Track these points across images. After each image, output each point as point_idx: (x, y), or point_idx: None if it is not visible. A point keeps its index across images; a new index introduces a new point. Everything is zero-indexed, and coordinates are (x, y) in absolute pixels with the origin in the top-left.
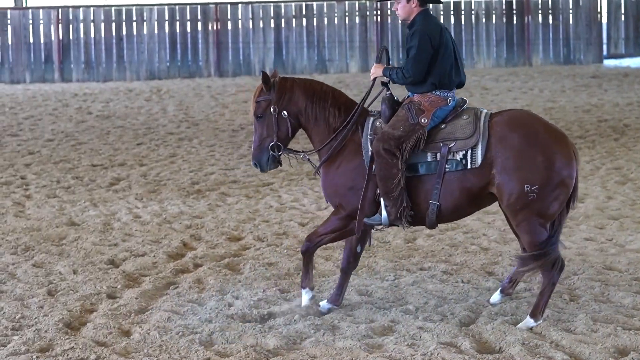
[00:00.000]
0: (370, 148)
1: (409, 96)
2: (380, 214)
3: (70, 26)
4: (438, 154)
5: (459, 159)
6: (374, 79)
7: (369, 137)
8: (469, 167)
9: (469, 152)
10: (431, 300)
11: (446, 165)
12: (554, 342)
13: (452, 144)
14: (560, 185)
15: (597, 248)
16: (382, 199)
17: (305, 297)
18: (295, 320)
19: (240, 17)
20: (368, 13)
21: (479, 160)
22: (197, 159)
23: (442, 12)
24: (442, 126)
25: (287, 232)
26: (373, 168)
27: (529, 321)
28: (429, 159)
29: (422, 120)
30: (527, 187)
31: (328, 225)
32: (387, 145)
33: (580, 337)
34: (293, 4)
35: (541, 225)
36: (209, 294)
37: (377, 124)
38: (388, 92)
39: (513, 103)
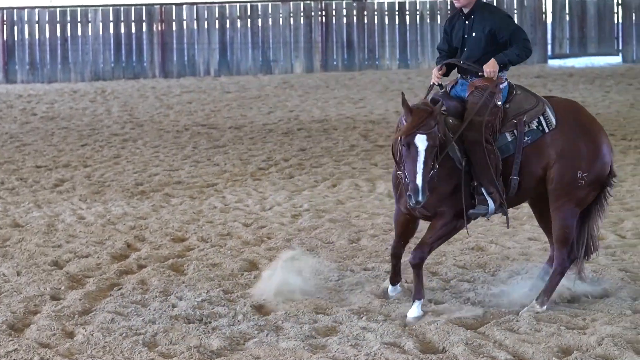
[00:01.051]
0: (456, 145)
1: (459, 82)
2: (487, 205)
3: (15, 27)
4: (515, 131)
5: (535, 127)
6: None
7: (450, 136)
8: (546, 130)
9: (542, 117)
10: (375, 300)
11: (525, 138)
12: (497, 341)
13: (524, 117)
14: (602, 175)
15: (541, 247)
16: (483, 189)
17: (417, 308)
18: (238, 321)
19: (185, 17)
20: (313, 14)
21: (554, 121)
22: (141, 160)
23: (387, 13)
24: (507, 106)
25: (231, 232)
26: (463, 163)
27: (535, 306)
28: (509, 138)
29: (498, 102)
30: (580, 173)
31: (437, 231)
32: (480, 133)
33: (524, 336)
34: (238, 4)
35: (576, 215)
36: (152, 295)
37: (450, 121)
38: (442, 90)
39: None
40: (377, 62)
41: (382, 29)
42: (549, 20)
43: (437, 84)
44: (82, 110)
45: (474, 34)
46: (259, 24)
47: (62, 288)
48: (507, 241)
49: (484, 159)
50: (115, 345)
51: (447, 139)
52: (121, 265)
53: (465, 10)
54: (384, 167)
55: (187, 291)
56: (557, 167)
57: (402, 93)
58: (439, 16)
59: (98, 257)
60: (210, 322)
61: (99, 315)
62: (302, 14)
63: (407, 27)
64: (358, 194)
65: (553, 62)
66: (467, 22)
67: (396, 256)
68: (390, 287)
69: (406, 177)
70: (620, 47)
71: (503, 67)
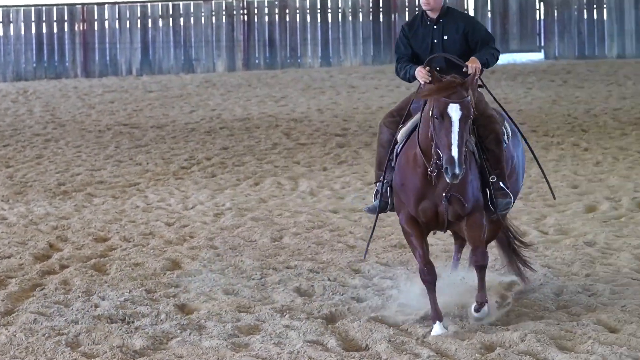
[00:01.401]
0: (473, 139)
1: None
2: (506, 197)
3: None
4: None
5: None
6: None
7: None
8: (507, 141)
9: (504, 128)
10: (297, 298)
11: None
12: (419, 338)
13: None
14: None
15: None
16: (501, 182)
17: (486, 309)
18: (161, 321)
19: (107, 17)
20: (235, 12)
21: (510, 132)
22: (63, 159)
23: (308, 11)
24: None
25: (154, 232)
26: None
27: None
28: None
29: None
30: None
31: (482, 228)
32: (499, 125)
33: (446, 333)
34: (160, 4)
35: None
36: (75, 295)
37: None
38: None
39: (380, 101)
40: (299, 61)
41: (304, 27)
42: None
43: (427, 82)
44: (4, 110)
45: (446, 37)
46: (181, 23)
47: None
48: (430, 238)
49: (502, 152)
50: (38, 345)
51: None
52: (44, 265)
53: (433, 15)
54: (305, 165)
55: (110, 291)
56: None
57: (433, 71)
58: (361, 14)
59: (20, 258)
60: (133, 322)
61: (22, 316)
62: (224, 12)
63: (329, 25)
64: (280, 192)
65: None
66: (435, 27)
67: (433, 279)
68: (438, 326)
69: (439, 153)
70: (543, 44)
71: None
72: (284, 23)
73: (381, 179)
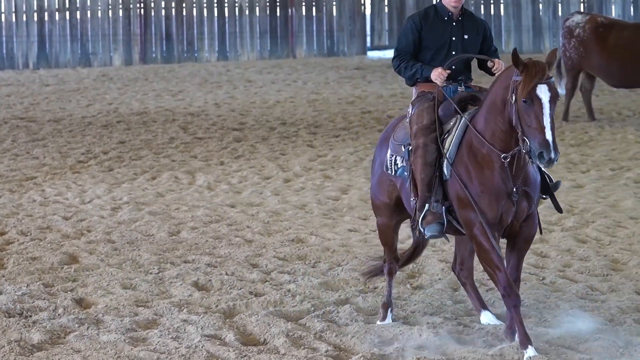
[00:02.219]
0: None
1: (454, 90)
2: None
3: None
4: None
5: None
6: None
7: None
8: None
9: None
10: (195, 293)
11: None
12: (317, 333)
13: None
14: None
15: (361, 239)
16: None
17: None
18: (59, 315)
19: (3, 10)
20: (131, 6)
21: None
22: None
23: (205, 5)
24: None
25: (51, 226)
26: None
27: None
28: None
29: None
30: None
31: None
32: None
33: (344, 328)
34: None
35: None
36: None
37: None
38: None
39: (277, 95)
40: (196, 55)
41: (201, 21)
42: (368, 12)
43: (444, 85)
44: None
45: (466, 37)
46: (78, 17)
47: None
48: (327, 232)
49: None
50: None
51: None
52: None
53: (456, 12)
54: (203, 159)
55: (7, 285)
56: None
57: (514, 49)
58: (258, 8)
59: None
60: (30, 316)
61: None
62: (120, 6)
63: (226, 19)
64: (178, 186)
65: (372, 54)
66: (454, 24)
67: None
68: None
69: (526, 140)
70: None
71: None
72: (181, 17)
73: (432, 199)
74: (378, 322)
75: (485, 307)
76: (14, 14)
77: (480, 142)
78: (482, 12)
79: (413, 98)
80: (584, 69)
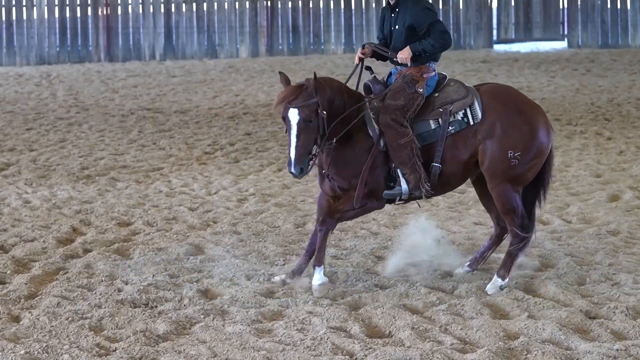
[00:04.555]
0: (375, 125)
1: (392, 72)
2: (400, 185)
3: None
4: (440, 119)
5: (460, 118)
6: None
7: (372, 116)
8: (471, 122)
9: (468, 110)
10: None
11: (449, 128)
12: (443, 326)
13: (451, 107)
14: (539, 154)
15: (486, 232)
16: (398, 170)
17: (318, 275)
18: (184, 305)
19: (130, 2)
20: None
21: (479, 114)
22: (86, 144)
23: None
24: (436, 95)
25: (177, 217)
26: (382, 144)
27: (497, 281)
28: (433, 126)
29: (419, 89)
30: (511, 153)
31: (349, 203)
32: (393, 115)
33: (469, 321)
34: None
35: (515, 191)
36: (98, 279)
37: (375, 103)
38: (372, 75)
39: None
40: (322, 47)
41: (328, 14)
42: (494, 5)
43: (357, 62)
44: (27, 94)
45: (396, 27)
46: (204, 8)
47: (8, 272)
48: (453, 225)
49: (395, 141)
50: (61, 329)
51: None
52: (67, 249)
53: (392, 2)
54: None
55: (133, 275)
56: (485, 149)
57: (280, 72)
58: (384, 1)
59: (44, 241)
60: (156, 307)
61: (45, 300)
62: None
63: (353, 12)
64: (304, 178)
65: (498, 47)
66: (392, 15)
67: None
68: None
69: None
70: (566, 32)
71: (418, 55)
72: (308, 9)
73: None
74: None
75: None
76: (140, 6)
77: None
78: (609, 5)
79: None
80: None
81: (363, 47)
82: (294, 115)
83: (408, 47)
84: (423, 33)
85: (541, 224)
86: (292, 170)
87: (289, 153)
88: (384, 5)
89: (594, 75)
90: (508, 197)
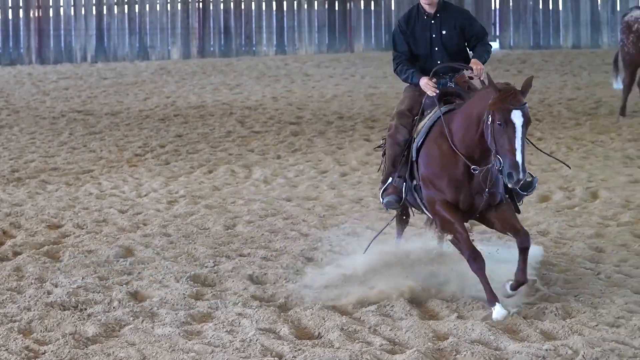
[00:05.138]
0: None
1: (443, 84)
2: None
3: None
4: None
5: None
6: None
7: None
8: None
9: None
10: (250, 286)
11: None
12: (372, 327)
13: None
14: None
15: (417, 233)
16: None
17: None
18: (114, 308)
19: (62, 4)
20: (190, 0)
21: None
22: (17, 146)
23: None
24: None
25: (107, 219)
26: None
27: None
28: None
29: None
30: None
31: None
32: None
33: (398, 322)
34: None
35: None
36: (28, 282)
37: None
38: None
39: (334, 89)
40: (254, 49)
41: (260, 15)
42: None
43: (435, 94)
44: None
45: (444, 32)
46: (136, 10)
47: None
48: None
49: None
50: None
51: None
52: None
53: (431, 10)
54: (259, 153)
55: (63, 278)
56: None
57: (488, 74)
58: (316, 2)
59: None
60: (85, 309)
61: None
62: (179, 0)
63: (285, 13)
64: (234, 180)
65: None
66: (433, 22)
67: (483, 265)
68: (499, 308)
69: (499, 158)
70: (498, 34)
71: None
72: (239, 10)
73: (395, 175)
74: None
75: None
76: (72, 8)
77: (443, 138)
78: (541, 6)
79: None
80: None
81: (432, 76)
82: (518, 116)
83: (477, 59)
84: (470, 37)
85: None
86: (521, 176)
87: (515, 157)
88: (403, 16)
89: (525, 76)
90: None
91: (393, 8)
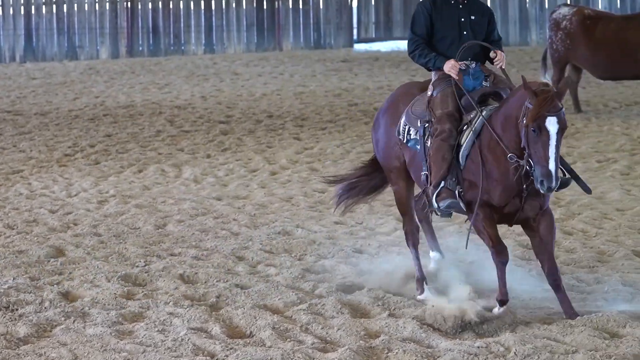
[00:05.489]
0: None
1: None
2: None
3: None
4: None
5: None
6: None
7: None
8: None
9: None
10: (181, 286)
11: None
12: (304, 325)
13: None
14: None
15: (347, 231)
16: None
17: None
18: (45, 308)
19: None
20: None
21: None
22: None
23: None
24: None
25: (37, 219)
26: None
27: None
28: None
29: None
30: None
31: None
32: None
33: (330, 320)
34: None
35: None
36: None
37: None
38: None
39: (264, 88)
40: (182, 48)
41: (188, 14)
42: (355, 4)
43: (456, 77)
44: None
45: (473, 17)
46: (65, 10)
47: None
48: (314, 225)
49: None
50: None
51: None
52: None
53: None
54: (189, 152)
55: None
56: None
57: (523, 77)
58: (244, 1)
59: None
60: (16, 309)
61: None
62: (107, 0)
63: (213, 12)
64: (164, 179)
65: (359, 47)
66: (461, 6)
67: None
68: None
69: (532, 164)
70: None
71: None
72: (168, 10)
73: (449, 179)
74: (418, 297)
75: (438, 249)
76: (0, 8)
77: (497, 142)
78: None
79: (433, 79)
80: (571, 61)
81: (458, 61)
82: (553, 123)
83: (499, 51)
84: (489, 30)
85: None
86: (553, 184)
87: (548, 165)
88: (428, 0)
89: None
90: None
91: (322, 7)
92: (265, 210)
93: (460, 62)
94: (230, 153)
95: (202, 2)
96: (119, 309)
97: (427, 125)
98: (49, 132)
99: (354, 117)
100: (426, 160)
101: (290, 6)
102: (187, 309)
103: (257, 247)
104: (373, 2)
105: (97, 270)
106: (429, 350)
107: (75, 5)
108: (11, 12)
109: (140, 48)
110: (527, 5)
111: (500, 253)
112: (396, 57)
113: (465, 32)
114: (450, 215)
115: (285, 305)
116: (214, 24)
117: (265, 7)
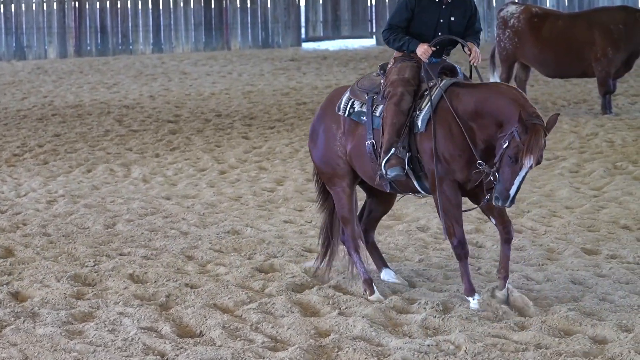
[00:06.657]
0: None
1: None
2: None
3: None
4: None
5: None
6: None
7: None
8: None
9: None
10: (131, 285)
11: None
12: (254, 324)
13: None
14: None
15: (296, 230)
16: None
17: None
18: None
19: None
20: None
21: None
22: None
23: None
24: None
25: None
26: None
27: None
28: None
29: None
30: None
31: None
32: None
33: (280, 319)
34: None
35: None
36: None
37: None
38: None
39: (212, 87)
40: (130, 47)
41: (136, 14)
42: (302, 3)
43: (426, 61)
44: None
45: (453, 19)
46: (12, 10)
47: None
48: (263, 224)
49: None
50: None
51: None
52: None
53: None
54: (138, 151)
55: None
56: None
57: (520, 112)
58: (192, 0)
59: None
60: None
61: None
62: None
63: (161, 12)
64: (113, 179)
65: (307, 45)
66: (444, 7)
67: (467, 253)
68: (476, 301)
69: (497, 178)
70: (374, 30)
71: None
72: (115, 9)
73: (400, 145)
74: (369, 298)
75: (386, 265)
76: None
77: (457, 120)
78: None
79: (395, 56)
80: (519, 59)
81: (432, 45)
82: (531, 159)
83: (472, 44)
84: (469, 27)
85: None
86: (507, 205)
87: (509, 190)
88: None
89: None
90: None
91: (269, 5)
92: (215, 209)
93: (432, 48)
94: (179, 152)
95: (150, 2)
96: (69, 308)
97: (375, 96)
98: None
99: (303, 116)
100: (372, 130)
101: (238, 5)
102: (137, 308)
103: (206, 247)
104: (321, 1)
105: (47, 270)
106: (379, 348)
107: (23, 5)
108: None
109: (88, 47)
110: (475, 3)
111: (463, 247)
112: (344, 56)
113: (440, 33)
114: (401, 179)
115: (235, 304)
116: (162, 23)
117: (213, 6)
